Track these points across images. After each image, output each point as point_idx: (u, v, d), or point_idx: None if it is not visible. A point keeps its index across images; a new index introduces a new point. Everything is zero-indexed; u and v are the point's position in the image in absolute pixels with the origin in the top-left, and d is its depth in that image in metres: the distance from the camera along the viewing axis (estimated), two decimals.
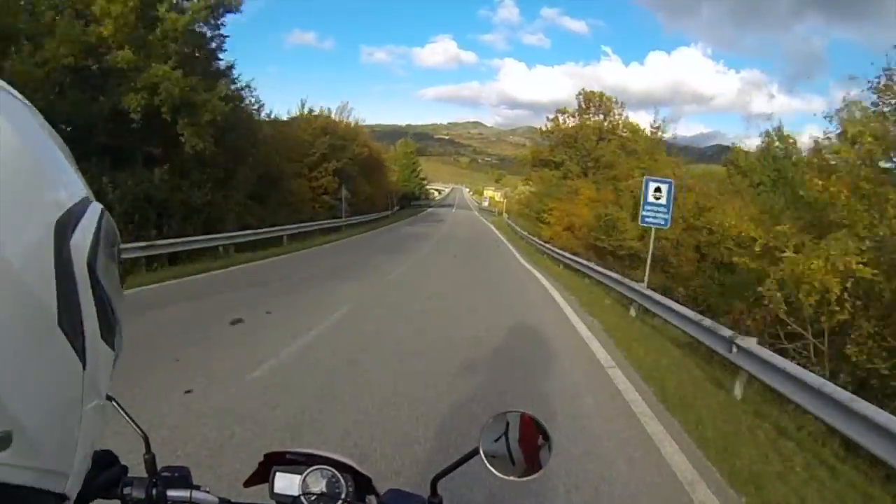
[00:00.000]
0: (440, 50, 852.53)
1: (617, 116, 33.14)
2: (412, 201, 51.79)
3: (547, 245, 17.66)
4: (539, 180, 33.26)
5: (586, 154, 31.44)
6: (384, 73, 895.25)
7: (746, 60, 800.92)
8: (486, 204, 56.98)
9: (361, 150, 27.43)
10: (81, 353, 0.40)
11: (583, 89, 33.60)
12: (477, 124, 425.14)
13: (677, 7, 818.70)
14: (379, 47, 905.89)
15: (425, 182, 61.06)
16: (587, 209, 18.65)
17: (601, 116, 33.15)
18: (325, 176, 21.81)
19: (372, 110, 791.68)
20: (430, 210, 51.53)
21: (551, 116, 34.18)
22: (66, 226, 0.40)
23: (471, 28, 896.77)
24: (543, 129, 35.05)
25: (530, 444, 0.71)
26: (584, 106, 33.42)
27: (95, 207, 0.46)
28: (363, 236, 20.85)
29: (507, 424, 0.71)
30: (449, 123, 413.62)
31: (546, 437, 0.71)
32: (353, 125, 28.19)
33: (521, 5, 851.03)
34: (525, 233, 26.46)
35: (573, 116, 33.60)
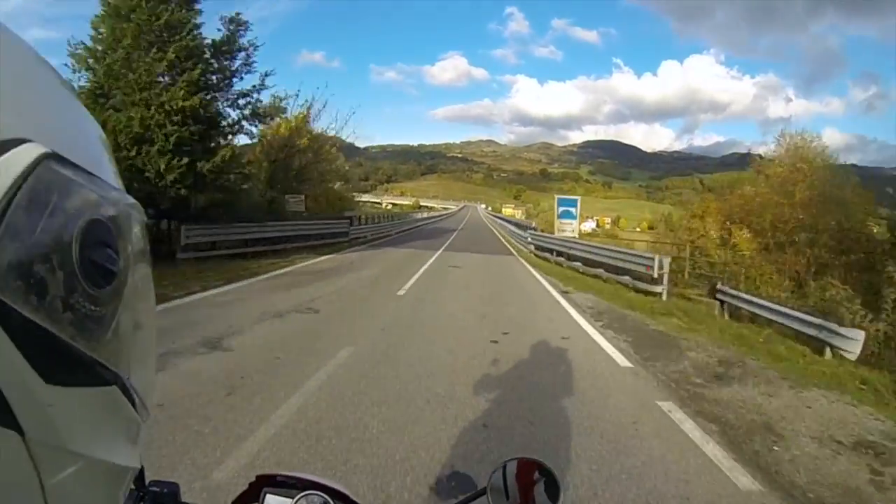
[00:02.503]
0: (450, 67, 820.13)
1: None
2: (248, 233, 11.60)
3: None
4: None
5: None
6: (395, 93, 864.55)
7: (761, 65, 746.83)
8: (570, 233, 14.81)
9: None
10: (6, 417, 0.26)
11: None
12: (490, 142, 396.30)
13: (690, 12, 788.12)
14: (389, 66, 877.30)
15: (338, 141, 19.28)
16: None
17: None
18: None
19: (384, 131, 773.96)
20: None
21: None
22: None
23: (481, 43, 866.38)
24: None
25: (532, 490, 0.72)
26: None
27: (24, 153, 0.27)
28: None
29: (507, 468, 0.73)
30: (462, 142, 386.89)
31: (554, 482, 0.71)
32: None
33: (530, 18, 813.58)
34: None
35: None
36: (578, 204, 15.01)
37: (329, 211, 17.84)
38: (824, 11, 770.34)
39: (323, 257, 12.31)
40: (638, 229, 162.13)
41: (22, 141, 0.27)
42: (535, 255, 15.12)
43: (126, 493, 0.37)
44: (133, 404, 0.34)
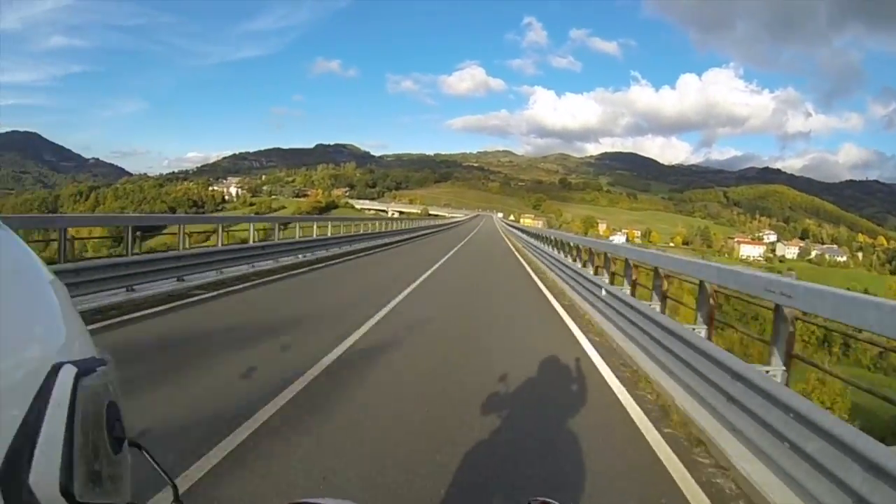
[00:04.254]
0: (468, 77, 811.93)
1: None
2: None
3: None
4: None
5: None
6: (412, 102, 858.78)
7: (781, 79, 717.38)
8: None
9: None
10: None
11: None
12: (507, 153, 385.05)
13: (710, 23, 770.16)
14: (405, 75, 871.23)
15: None
16: None
17: None
18: None
19: (399, 140, 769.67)
20: None
21: None
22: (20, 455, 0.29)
23: (499, 53, 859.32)
24: None
25: None
26: None
27: (64, 378, 0.32)
28: None
29: None
30: (478, 152, 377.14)
31: None
32: None
33: (549, 28, 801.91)
34: None
35: None
36: None
37: None
38: (846, 24, 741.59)
39: None
40: (672, 244, 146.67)
41: (59, 365, 0.30)
42: None
43: None
44: None
